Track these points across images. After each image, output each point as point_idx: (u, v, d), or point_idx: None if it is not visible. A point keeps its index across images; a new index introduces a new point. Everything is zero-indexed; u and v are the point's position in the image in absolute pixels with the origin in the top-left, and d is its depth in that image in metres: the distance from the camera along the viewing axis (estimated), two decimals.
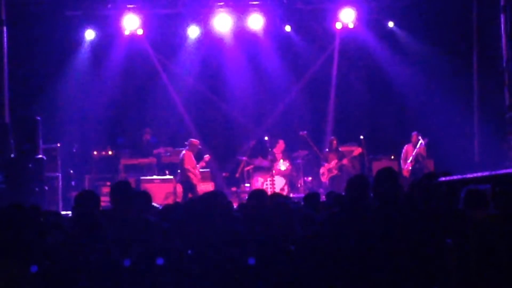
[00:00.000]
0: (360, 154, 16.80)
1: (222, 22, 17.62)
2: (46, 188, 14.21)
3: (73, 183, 16.38)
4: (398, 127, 17.84)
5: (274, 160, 16.79)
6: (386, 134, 18.03)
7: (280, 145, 17.02)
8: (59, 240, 5.32)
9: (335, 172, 16.64)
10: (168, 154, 16.84)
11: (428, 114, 17.32)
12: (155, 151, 17.22)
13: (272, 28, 18.04)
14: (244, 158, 17.12)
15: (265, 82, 18.84)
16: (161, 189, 15.68)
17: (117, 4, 17.19)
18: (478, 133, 16.48)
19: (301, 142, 17.50)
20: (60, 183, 15.04)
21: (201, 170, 16.38)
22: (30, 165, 13.70)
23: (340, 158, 16.69)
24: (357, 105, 18.72)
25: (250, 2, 17.61)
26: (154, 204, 7.69)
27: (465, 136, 16.61)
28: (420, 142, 16.01)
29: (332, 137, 17.15)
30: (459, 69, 17.07)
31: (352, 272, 5.12)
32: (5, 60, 15.11)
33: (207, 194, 7.00)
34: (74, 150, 17.17)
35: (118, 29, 17.51)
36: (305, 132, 17.34)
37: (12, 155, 13.88)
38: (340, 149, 16.98)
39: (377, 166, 16.18)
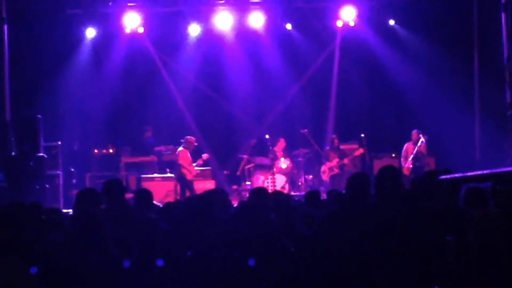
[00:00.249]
0: (362, 153, 16.80)
1: (223, 20, 17.61)
2: (47, 186, 14.24)
3: (74, 181, 16.38)
4: (399, 125, 17.83)
5: (275, 158, 16.79)
6: (387, 132, 18.02)
7: (281, 143, 17.02)
8: (60, 238, 5.32)
9: (336, 170, 16.64)
10: (169, 152, 16.84)
11: (429, 112, 17.31)
12: (156, 149, 17.22)
13: (273, 26, 18.03)
14: (245, 156, 17.12)
15: (266, 80, 18.82)
16: (161, 187, 15.69)
17: (118, 2, 17.20)
18: (479, 131, 16.48)
19: (302, 140, 17.50)
20: (61, 181, 15.06)
21: (202, 168, 16.41)
22: (31, 163, 13.72)
23: (341, 157, 16.68)
24: (358, 103, 18.71)
25: (251, 0, 17.60)
26: (155, 202, 7.71)
27: (466, 134, 16.61)
28: (421, 140, 15.99)
29: (333, 136, 17.14)
30: (460, 67, 17.06)
31: (352, 270, 5.12)
32: (6, 58, 15.11)
33: (207, 193, 7.02)
34: (75, 148, 17.17)
35: (119, 27, 17.51)
36: (306, 130, 17.34)
37: (13, 153, 13.89)
38: (341, 147, 16.98)
39: (378, 164, 16.17)
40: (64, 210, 11.30)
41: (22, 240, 4.86)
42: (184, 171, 15.44)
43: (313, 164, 17.56)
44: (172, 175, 16.10)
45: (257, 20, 17.70)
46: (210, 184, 15.97)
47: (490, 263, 3.95)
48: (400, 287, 5.08)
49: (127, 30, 17.50)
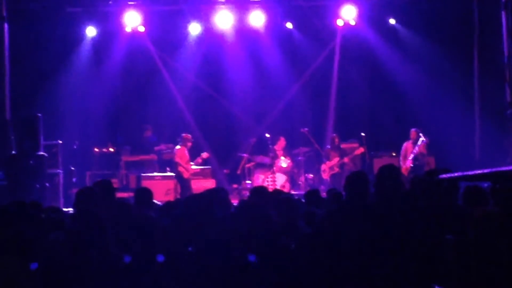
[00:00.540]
0: (362, 153, 16.81)
1: (223, 19, 17.61)
2: (47, 185, 14.24)
3: (74, 179, 16.38)
4: (399, 124, 17.82)
5: (275, 157, 16.79)
6: (387, 131, 18.01)
7: (281, 142, 17.02)
8: (61, 237, 5.32)
9: (336, 169, 16.64)
10: (169, 151, 16.83)
11: (429, 110, 17.31)
12: (156, 148, 17.23)
13: (273, 25, 18.02)
14: (245, 155, 17.12)
15: (266, 79, 18.82)
16: (161, 185, 15.68)
17: (118, 0, 17.20)
18: (479, 130, 16.47)
19: (302, 139, 17.50)
20: (61, 180, 15.05)
21: (202, 167, 16.41)
22: (31, 162, 13.72)
23: (341, 156, 16.69)
24: (358, 102, 18.70)
25: None
26: (155, 200, 7.70)
27: (466, 133, 16.60)
28: (421, 139, 15.98)
29: (334, 134, 17.14)
30: (460, 66, 17.06)
31: (352, 270, 5.12)
32: (6, 56, 15.12)
33: (207, 192, 7.02)
34: (75, 147, 17.16)
35: (119, 26, 17.51)
36: (306, 129, 17.35)
37: (13, 152, 13.90)
38: (341, 146, 16.98)
39: (378, 163, 16.16)
40: (64, 209, 11.31)
41: (22, 239, 4.86)
42: (181, 169, 15.48)
43: (313, 163, 17.56)
44: (172, 173, 16.11)
45: (257, 19, 17.69)
46: (210, 183, 15.96)
47: (490, 262, 3.96)
48: (400, 286, 5.08)
49: (128, 29, 17.50)
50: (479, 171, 4.25)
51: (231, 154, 17.97)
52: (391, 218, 5.30)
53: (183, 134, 15.88)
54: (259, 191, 7.14)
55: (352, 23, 17.71)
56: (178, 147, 15.66)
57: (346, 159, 16.63)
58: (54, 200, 14.08)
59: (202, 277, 5.03)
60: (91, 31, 17.66)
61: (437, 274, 5.00)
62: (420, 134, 16.04)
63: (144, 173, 16.45)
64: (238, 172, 17.21)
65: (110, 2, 17.20)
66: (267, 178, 16.59)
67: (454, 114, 16.75)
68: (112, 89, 18.12)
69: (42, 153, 14.07)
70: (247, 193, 11.27)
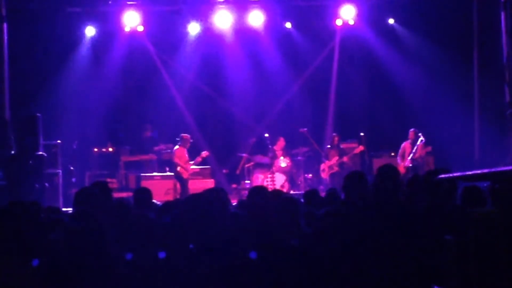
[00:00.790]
0: (361, 152, 16.83)
1: (223, 19, 17.62)
2: (47, 184, 14.24)
3: (73, 179, 16.39)
4: (398, 124, 17.83)
5: (275, 157, 16.80)
6: (386, 131, 18.03)
7: (281, 142, 17.03)
8: (60, 237, 5.32)
9: (335, 169, 16.66)
10: (168, 151, 16.83)
11: (428, 111, 17.33)
12: (155, 148, 17.24)
13: (272, 25, 18.04)
14: (245, 155, 17.13)
15: (266, 79, 18.83)
16: (161, 185, 15.68)
17: (117, 0, 17.21)
18: (478, 130, 16.48)
19: (302, 139, 17.52)
20: (61, 180, 15.05)
21: (201, 167, 16.41)
22: (30, 162, 13.72)
23: (340, 155, 16.71)
24: (358, 102, 18.72)
25: None
26: (154, 200, 7.70)
27: (465, 133, 16.62)
28: (420, 139, 15.99)
29: (334, 134, 17.15)
30: (460, 66, 17.07)
31: (350, 270, 5.12)
32: (6, 56, 15.12)
33: (207, 191, 7.01)
34: (75, 147, 17.16)
35: (119, 26, 17.52)
36: (306, 129, 17.36)
37: (13, 152, 13.90)
38: (341, 146, 17.00)
39: (377, 163, 16.19)
40: (64, 209, 11.31)
41: (21, 239, 4.86)
42: (180, 169, 15.47)
43: (312, 162, 17.57)
44: (172, 173, 16.11)
45: (256, 18, 17.71)
46: (209, 183, 15.96)
47: (490, 262, 3.96)
48: (398, 287, 5.08)
49: (127, 29, 17.51)
50: (478, 171, 4.25)
51: (231, 154, 17.98)
52: (390, 218, 5.30)
53: (182, 135, 15.87)
54: (258, 191, 7.12)
55: (351, 23, 17.74)
56: (177, 147, 15.66)
57: (345, 158, 16.65)
58: (53, 200, 14.08)
59: (202, 276, 5.03)
60: (90, 31, 17.67)
61: (437, 274, 5.01)
62: (419, 134, 16.06)
63: (143, 173, 16.46)
64: (238, 172, 17.21)
65: (110, 2, 17.21)
66: (267, 178, 16.60)
67: (453, 114, 16.76)
68: (111, 89, 18.12)
69: (41, 153, 14.07)
70: (246, 193, 11.28)
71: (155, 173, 16.40)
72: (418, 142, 15.98)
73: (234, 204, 8.51)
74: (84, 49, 17.95)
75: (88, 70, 18.02)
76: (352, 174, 6.16)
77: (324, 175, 16.85)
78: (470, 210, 5.43)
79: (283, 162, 16.83)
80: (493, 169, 4.12)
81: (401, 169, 15.85)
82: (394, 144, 16.93)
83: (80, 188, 7.08)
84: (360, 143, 16.93)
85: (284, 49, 18.58)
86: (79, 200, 6.45)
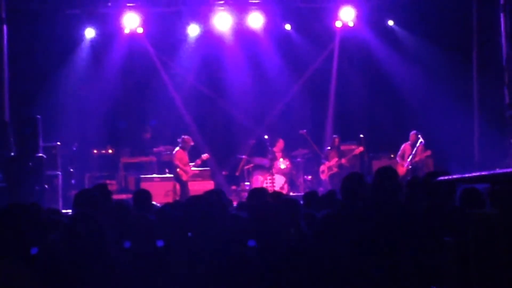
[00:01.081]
0: (361, 153, 16.84)
1: (222, 21, 17.63)
2: (46, 186, 14.23)
3: (73, 181, 16.39)
4: (397, 126, 17.84)
5: (274, 159, 16.81)
6: (385, 132, 18.04)
7: (280, 144, 17.04)
8: (60, 239, 5.33)
9: (335, 170, 16.67)
10: (168, 152, 16.83)
11: (428, 112, 17.33)
12: (155, 150, 17.23)
13: (272, 26, 18.04)
14: (244, 156, 17.13)
15: (265, 81, 18.84)
16: (160, 187, 15.67)
17: (117, 2, 17.20)
18: (478, 132, 16.49)
19: (301, 140, 17.52)
20: (60, 182, 15.04)
21: (201, 168, 16.40)
22: (30, 164, 13.71)
23: (340, 157, 16.72)
24: (357, 103, 18.73)
25: (250, 1, 17.60)
26: (154, 202, 7.71)
27: (465, 135, 16.62)
28: (420, 140, 15.99)
29: (335, 136, 17.16)
30: (459, 68, 17.08)
31: (350, 271, 5.12)
32: (5, 58, 15.12)
33: (206, 193, 7.02)
34: (74, 149, 17.17)
35: (118, 28, 17.52)
36: (305, 130, 17.36)
37: (12, 154, 13.89)
38: (341, 147, 17.01)
39: (376, 164, 16.18)
40: (63, 211, 11.32)
41: (21, 241, 4.86)
42: (180, 171, 15.44)
43: (312, 164, 17.58)
44: (171, 175, 16.11)
45: (256, 20, 17.71)
46: (209, 185, 15.96)
47: (489, 264, 3.96)
48: None
49: (126, 30, 17.51)
50: (478, 173, 4.26)
51: (230, 156, 17.98)
52: (388, 220, 5.31)
53: (184, 137, 15.81)
54: (258, 192, 7.13)
55: (351, 24, 17.75)
56: (177, 149, 15.62)
57: (343, 160, 16.66)
58: (53, 201, 14.07)
59: (202, 276, 5.04)
60: (90, 33, 17.67)
61: (436, 275, 5.01)
62: (419, 136, 16.06)
63: (143, 174, 16.45)
64: (237, 173, 17.22)
65: (109, 4, 17.21)
66: (266, 179, 16.60)
67: (453, 116, 16.76)
68: (111, 91, 18.11)
69: (41, 154, 14.06)
70: (246, 195, 11.27)
71: (154, 175, 16.40)
72: (418, 144, 15.98)
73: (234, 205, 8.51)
74: (83, 51, 17.95)
75: (87, 71, 18.02)
76: (350, 175, 6.17)
77: (324, 177, 16.86)
78: (470, 211, 5.44)
79: (282, 163, 16.83)
80: (492, 171, 4.12)
81: (401, 170, 15.86)
82: (394, 146, 16.93)
83: (80, 190, 7.09)
84: (359, 145, 16.94)
85: (283, 50, 18.59)
86: (78, 201, 6.45)
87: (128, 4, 17.25)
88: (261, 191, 7.27)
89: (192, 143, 15.81)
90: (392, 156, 17.01)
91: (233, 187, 17.20)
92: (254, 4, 17.63)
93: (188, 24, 17.82)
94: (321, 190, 15.20)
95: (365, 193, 5.91)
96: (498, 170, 4.15)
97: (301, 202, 8.03)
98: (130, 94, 18.58)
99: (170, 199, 14.79)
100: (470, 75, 16.74)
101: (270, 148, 16.90)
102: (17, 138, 14.01)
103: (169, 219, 6.01)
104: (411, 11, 17.54)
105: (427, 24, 17.42)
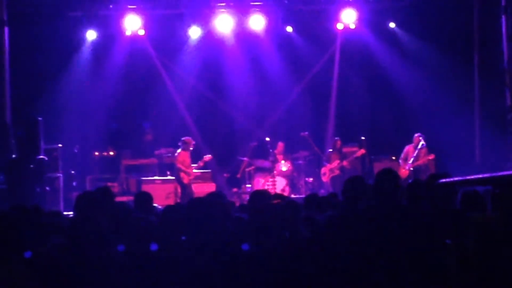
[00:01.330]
0: (362, 155, 16.83)
1: (224, 23, 17.63)
2: (48, 188, 14.24)
3: (74, 183, 16.39)
4: (399, 128, 17.83)
5: (275, 161, 16.81)
6: (387, 135, 18.02)
7: (280, 147, 17.06)
8: (61, 242, 5.33)
9: (336, 172, 16.66)
10: (169, 154, 16.83)
11: (429, 114, 17.32)
12: (156, 152, 17.23)
13: (273, 29, 18.04)
14: (245, 158, 17.13)
15: (266, 83, 18.83)
16: (162, 189, 15.67)
17: (118, 4, 17.22)
18: (479, 134, 16.47)
19: (302, 143, 17.51)
20: (62, 184, 15.06)
21: (202, 170, 16.38)
22: (31, 166, 13.73)
23: (342, 159, 16.71)
24: (358, 106, 18.72)
25: (251, 3, 17.61)
26: (155, 204, 7.71)
27: (466, 137, 16.60)
28: (421, 143, 15.97)
29: (337, 138, 17.14)
30: (460, 70, 17.06)
31: (350, 274, 5.13)
32: (7, 60, 15.14)
33: (208, 196, 7.02)
34: (76, 151, 17.16)
35: (120, 30, 17.53)
36: (306, 133, 17.35)
37: (14, 156, 13.90)
38: (343, 150, 17.00)
39: (378, 167, 16.17)
40: (65, 213, 11.32)
41: (23, 244, 4.86)
42: (181, 174, 15.38)
43: (313, 166, 17.58)
44: (172, 177, 16.11)
45: (257, 22, 17.72)
46: (210, 187, 15.95)
47: (490, 267, 3.97)
48: None
49: (128, 33, 17.52)
50: (479, 176, 4.26)
51: (231, 158, 17.98)
52: (389, 222, 5.31)
53: (185, 138, 15.77)
54: (260, 195, 7.13)
55: (352, 27, 17.74)
56: (179, 151, 15.56)
57: (345, 162, 16.65)
58: (54, 204, 14.09)
59: (202, 277, 5.04)
60: (91, 35, 17.68)
61: (437, 278, 5.01)
62: (420, 138, 16.05)
63: (144, 177, 16.45)
64: (238, 176, 17.22)
65: (111, 6, 17.23)
66: (267, 182, 16.60)
67: (454, 118, 16.74)
68: (112, 93, 18.13)
69: (42, 156, 14.07)
70: (247, 197, 11.27)
71: (156, 177, 16.41)
72: (419, 146, 15.96)
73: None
74: (85, 53, 17.96)
75: (89, 74, 18.03)
76: (352, 178, 6.18)
77: (325, 179, 16.85)
78: (471, 214, 5.45)
79: (284, 166, 16.84)
80: (493, 174, 4.13)
81: (403, 172, 15.85)
82: (395, 148, 16.92)
83: (81, 192, 7.09)
84: (361, 147, 16.93)
85: (285, 53, 18.59)
86: (80, 204, 6.45)
87: (129, 6, 17.26)
88: (263, 193, 7.27)
89: (193, 144, 15.77)
90: (393, 158, 17.00)
91: (235, 189, 17.19)
92: (256, 6, 17.63)
93: (189, 26, 17.82)
94: (322, 192, 15.21)
95: (367, 195, 5.92)
96: (498, 173, 4.15)
97: (303, 204, 8.04)
98: (132, 96, 18.58)
99: (171, 201, 14.80)
100: (471, 77, 16.72)
101: (271, 150, 16.90)
102: (18, 140, 14.02)
103: (171, 222, 6.01)
104: (413, 13, 17.52)
105: (428, 26, 17.41)
